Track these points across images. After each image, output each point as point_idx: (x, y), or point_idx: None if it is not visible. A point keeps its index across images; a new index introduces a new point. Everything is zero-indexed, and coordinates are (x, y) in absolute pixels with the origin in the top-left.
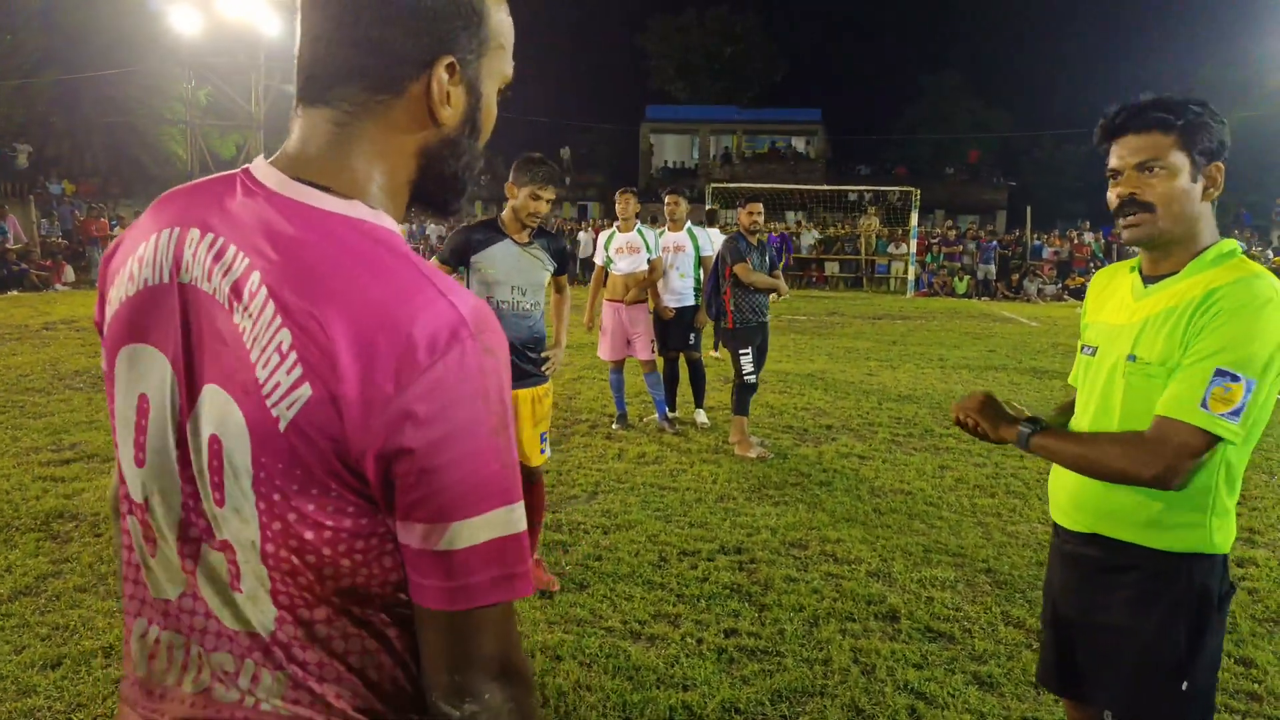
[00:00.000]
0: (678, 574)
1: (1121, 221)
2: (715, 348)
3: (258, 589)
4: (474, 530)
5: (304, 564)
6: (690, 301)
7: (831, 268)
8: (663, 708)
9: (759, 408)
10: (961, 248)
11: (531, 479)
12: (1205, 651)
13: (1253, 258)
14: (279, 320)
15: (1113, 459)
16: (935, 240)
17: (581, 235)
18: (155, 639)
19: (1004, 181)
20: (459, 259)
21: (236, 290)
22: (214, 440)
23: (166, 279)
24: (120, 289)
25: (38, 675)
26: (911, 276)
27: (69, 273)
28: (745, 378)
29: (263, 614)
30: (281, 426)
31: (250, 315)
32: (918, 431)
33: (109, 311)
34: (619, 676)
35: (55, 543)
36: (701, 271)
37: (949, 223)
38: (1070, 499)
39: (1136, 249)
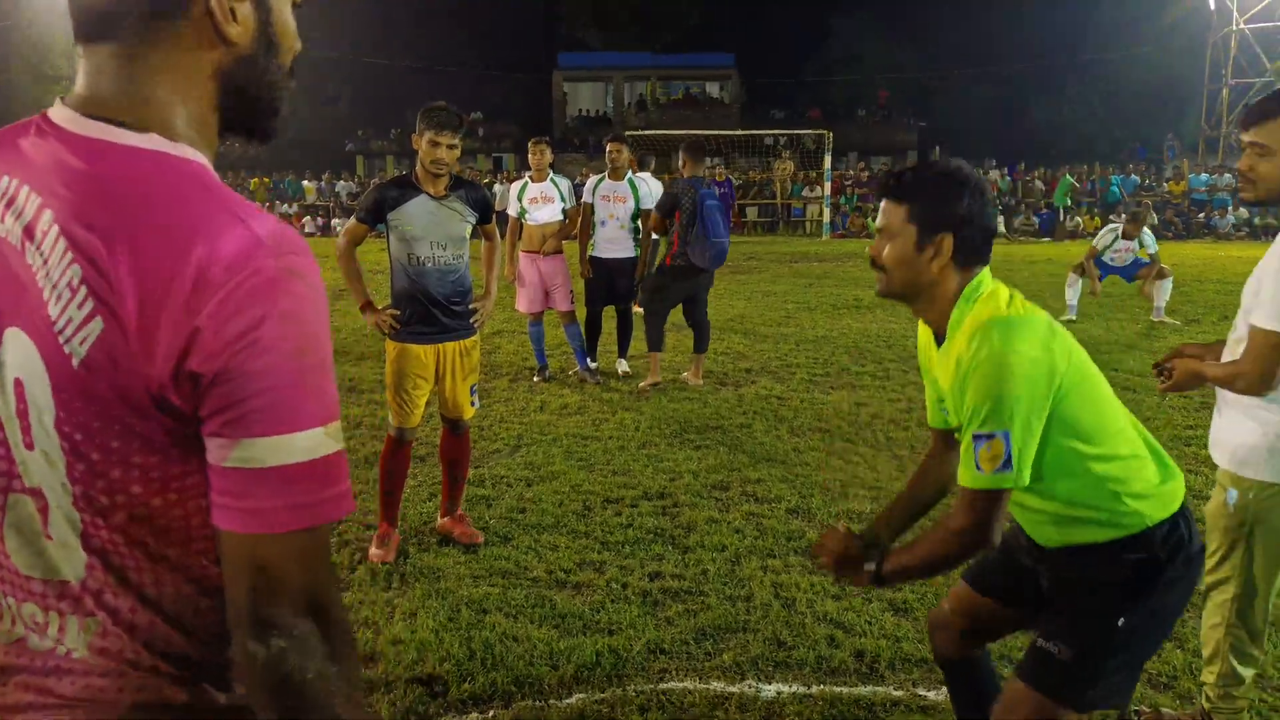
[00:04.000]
0: (602, 521)
1: None
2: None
3: (68, 535)
4: (278, 451)
5: (114, 504)
6: (630, 253)
7: (750, 212)
8: (589, 653)
9: (680, 354)
10: (873, 188)
11: (458, 431)
12: (1147, 603)
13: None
14: (70, 256)
15: (944, 548)
16: (849, 182)
17: (496, 187)
18: None
19: (915, 123)
20: (374, 217)
21: (29, 231)
22: (18, 383)
23: None
24: None
25: None
26: (826, 219)
27: None
28: None
29: (73, 561)
30: (75, 363)
31: (42, 254)
32: (834, 370)
33: None
34: (545, 625)
35: None
36: (640, 223)
37: (862, 164)
38: None
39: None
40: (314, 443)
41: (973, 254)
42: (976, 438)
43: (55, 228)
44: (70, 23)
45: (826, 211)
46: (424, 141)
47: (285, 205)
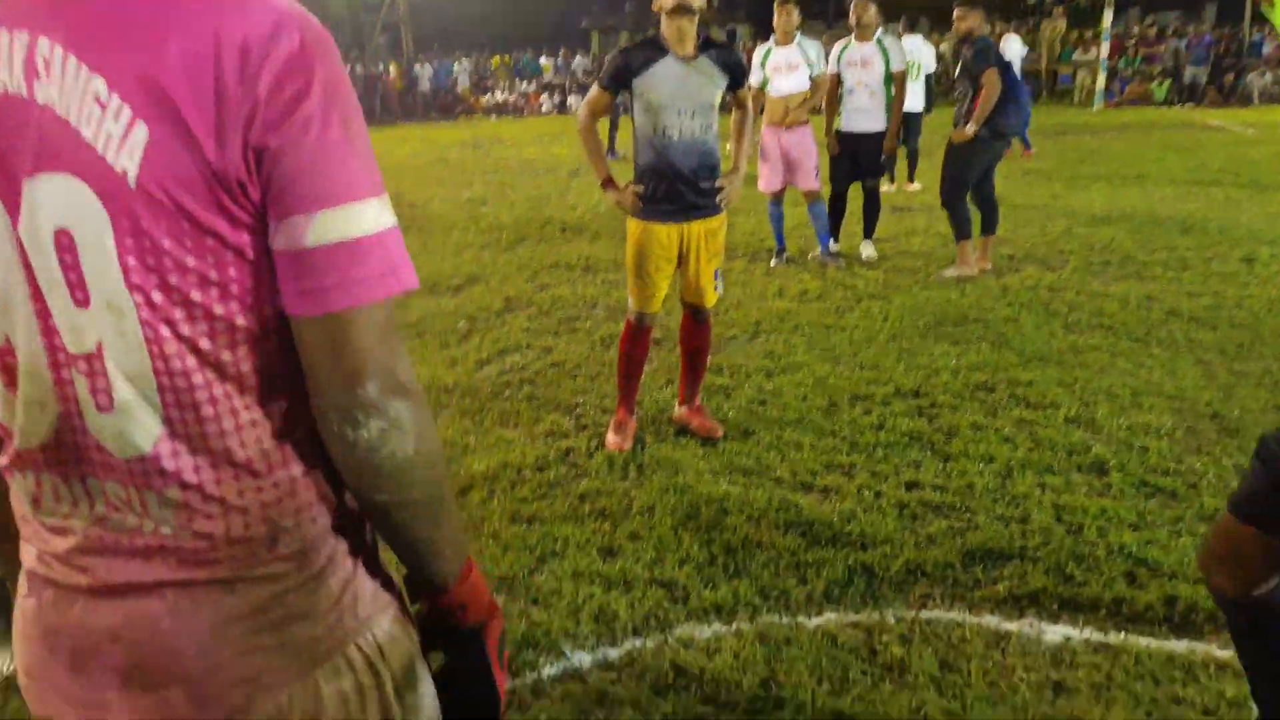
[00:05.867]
0: (850, 420)
1: None
2: (911, 179)
3: (132, 402)
4: (351, 221)
5: (192, 335)
6: (880, 126)
7: None
8: (840, 569)
9: (933, 238)
10: (1164, 47)
11: (699, 318)
12: None
13: None
14: (85, 70)
15: None
16: (1133, 41)
17: None
18: (36, 482)
19: None
20: (618, 84)
21: (30, 67)
22: (61, 235)
23: None
24: None
25: None
26: (1101, 86)
27: None
28: None
29: (142, 428)
30: (131, 181)
31: (54, 82)
32: (1116, 258)
33: None
34: (791, 532)
35: None
36: (893, 87)
37: (1149, 20)
38: None
39: None
40: (378, 212)
41: None
42: None
43: (58, 50)
44: None
45: (1102, 77)
46: None
47: (524, 83)
